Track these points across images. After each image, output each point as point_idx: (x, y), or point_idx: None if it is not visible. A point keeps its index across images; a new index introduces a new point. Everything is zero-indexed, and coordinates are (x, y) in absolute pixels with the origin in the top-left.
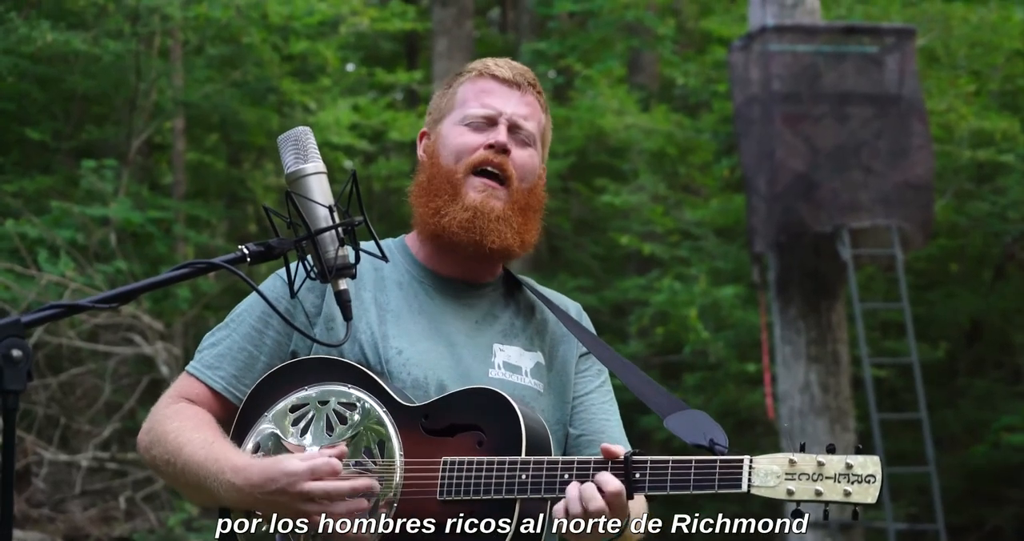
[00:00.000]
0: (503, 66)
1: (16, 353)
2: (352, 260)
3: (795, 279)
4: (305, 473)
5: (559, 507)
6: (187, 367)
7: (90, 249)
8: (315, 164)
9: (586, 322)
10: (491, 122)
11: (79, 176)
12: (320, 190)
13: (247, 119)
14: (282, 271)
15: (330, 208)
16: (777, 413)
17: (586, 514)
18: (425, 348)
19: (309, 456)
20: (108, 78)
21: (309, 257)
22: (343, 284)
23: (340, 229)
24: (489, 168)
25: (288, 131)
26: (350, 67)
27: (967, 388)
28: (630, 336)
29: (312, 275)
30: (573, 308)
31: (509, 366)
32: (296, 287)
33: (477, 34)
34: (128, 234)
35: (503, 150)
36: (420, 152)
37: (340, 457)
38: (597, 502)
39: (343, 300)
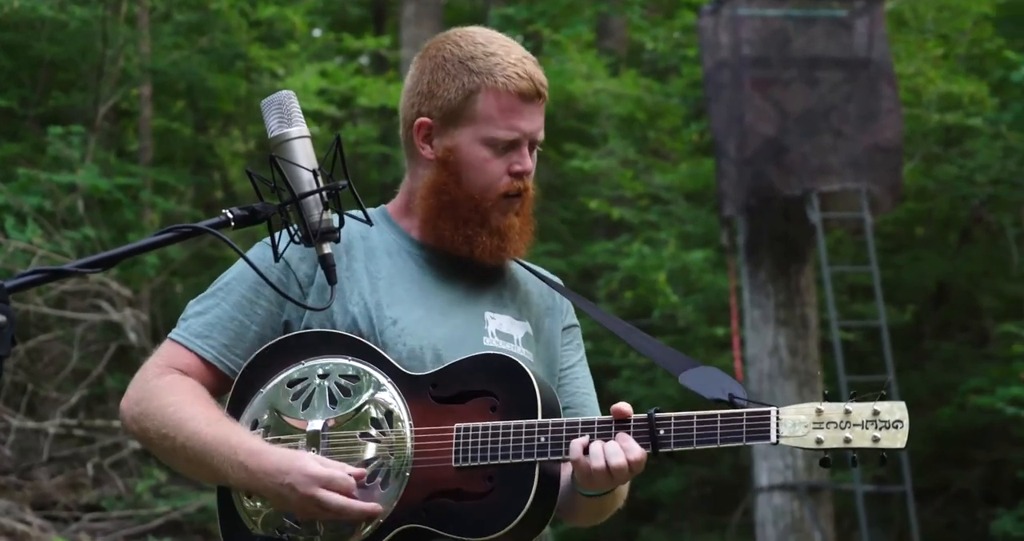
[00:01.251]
0: (525, 77)
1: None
2: (336, 224)
3: (764, 243)
4: (323, 479)
5: (578, 453)
6: (172, 334)
7: (57, 216)
8: (299, 128)
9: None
10: (515, 144)
11: (46, 143)
12: (304, 154)
13: (214, 85)
14: (269, 239)
15: (314, 172)
16: (746, 376)
17: (608, 469)
18: (419, 316)
19: (329, 463)
20: (75, 44)
21: (294, 221)
22: (327, 248)
23: (324, 193)
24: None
25: (272, 95)
26: (317, 32)
27: (934, 351)
28: (599, 300)
29: (296, 239)
30: (556, 282)
31: (502, 334)
32: (280, 251)
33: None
34: (95, 201)
35: (527, 173)
36: (425, 147)
37: (358, 479)
38: (619, 458)
39: (327, 264)
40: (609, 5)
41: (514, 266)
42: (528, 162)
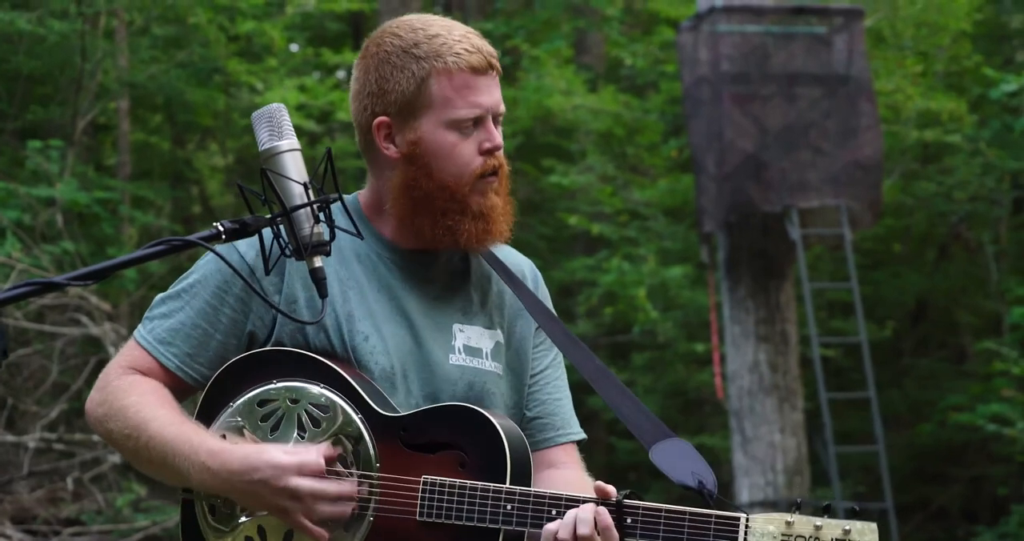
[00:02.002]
0: (473, 50)
1: None
2: (327, 237)
3: (744, 259)
4: (292, 468)
5: (549, 527)
6: (136, 335)
7: (36, 230)
8: (290, 141)
9: (541, 287)
10: (479, 120)
11: (24, 156)
12: (295, 167)
13: (193, 99)
14: (239, 243)
15: (305, 185)
16: (726, 393)
17: (575, 539)
18: (389, 332)
19: (295, 451)
20: (53, 58)
21: (284, 234)
22: (318, 261)
23: (315, 206)
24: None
25: (262, 108)
26: (295, 47)
27: (912, 368)
28: (578, 316)
29: (287, 252)
30: (528, 270)
31: (469, 349)
32: (272, 264)
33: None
34: (74, 215)
35: (498, 149)
36: (388, 147)
37: (329, 458)
38: (587, 526)
39: (318, 278)
40: (587, 21)
41: (485, 265)
42: (497, 137)
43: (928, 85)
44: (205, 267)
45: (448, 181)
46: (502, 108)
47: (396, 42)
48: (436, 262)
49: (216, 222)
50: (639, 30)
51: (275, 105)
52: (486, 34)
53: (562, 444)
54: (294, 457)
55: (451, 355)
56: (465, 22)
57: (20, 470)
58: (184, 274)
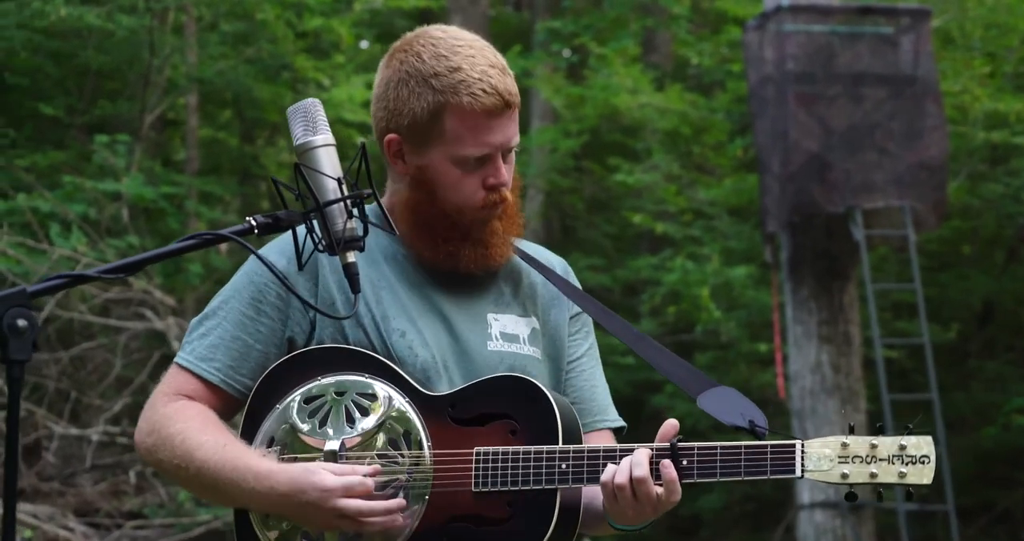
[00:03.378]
0: (491, 92)
1: (21, 323)
2: (360, 233)
3: (807, 259)
4: (339, 490)
5: (606, 475)
6: (177, 358)
7: (102, 224)
8: (324, 136)
9: (573, 280)
10: (486, 158)
11: (92, 151)
12: (329, 162)
13: (260, 96)
14: (267, 249)
15: (339, 180)
16: (788, 393)
17: (631, 482)
18: (424, 325)
19: (342, 470)
20: (121, 53)
21: (317, 229)
22: (351, 256)
23: (348, 202)
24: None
25: (297, 103)
26: (364, 44)
27: (978, 370)
28: (642, 315)
29: (320, 247)
30: (559, 266)
31: (506, 335)
32: (304, 260)
33: (492, 12)
34: (140, 210)
35: (502, 186)
36: (397, 163)
37: (373, 475)
38: (642, 469)
39: (351, 273)
40: (655, 20)
41: (515, 258)
42: (502, 174)
43: (996, 86)
44: (236, 282)
45: (450, 210)
46: (515, 141)
47: (417, 66)
48: None
49: (249, 217)
50: (707, 29)
51: (310, 100)
52: (554, 32)
53: (599, 430)
54: (340, 479)
55: (488, 342)
56: (533, 21)
57: (83, 463)
58: (214, 297)
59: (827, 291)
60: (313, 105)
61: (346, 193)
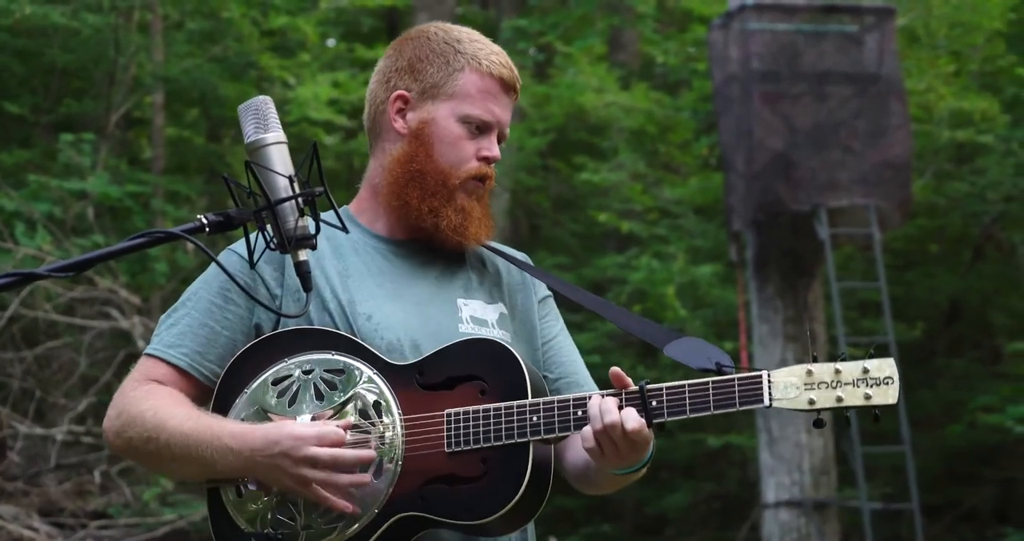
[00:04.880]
0: (505, 66)
1: None
2: (312, 231)
3: (773, 258)
4: (312, 438)
5: (586, 430)
6: (145, 350)
7: (67, 223)
8: (276, 134)
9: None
10: (487, 127)
11: (57, 150)
12: (280, 160)
13: (226, 94)
14: (236, 245)
15: (290, 178)
16: None
17: (604, 428)
18: (392, 309)
19: (315, 423)
20: (87, 52)
21: (269, 228)
22: (303, 255)
23: (300, 199)
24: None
25: (248, 100)
26: (330, 42)
27: (944, 368)
28: None
29: (272, 246)
30: (521, 256)
31: (476, 319)
32: (256, 258)
33: (459, 11)
34: (106, 208)
35: (494, 160)
36: (398, 120)
37: (346, 428)
38: (612, 414)
39: (303, 271)
40: (621, 18)
41: (479, 250)
42: (496, 150)
43: (961, 85)
44: (206, 275)
45: (444, 166)
46: (507, 130)
47: (441, 34)
48: (431, 248)
49: (200, 215)
50: (673, 28)
51: (261, 97)
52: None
53: None
54: (312, 428)
55: (460, 325)
56: (499, 19)
57: (48, 463)
58: (185, 291)
59: (792, 289)
60: (264, 102)
61: (297, 191)
